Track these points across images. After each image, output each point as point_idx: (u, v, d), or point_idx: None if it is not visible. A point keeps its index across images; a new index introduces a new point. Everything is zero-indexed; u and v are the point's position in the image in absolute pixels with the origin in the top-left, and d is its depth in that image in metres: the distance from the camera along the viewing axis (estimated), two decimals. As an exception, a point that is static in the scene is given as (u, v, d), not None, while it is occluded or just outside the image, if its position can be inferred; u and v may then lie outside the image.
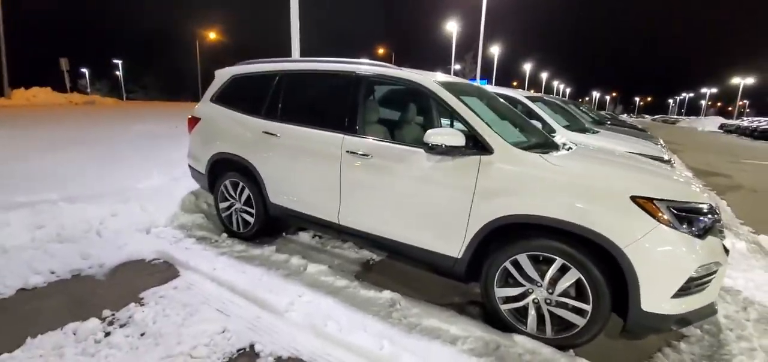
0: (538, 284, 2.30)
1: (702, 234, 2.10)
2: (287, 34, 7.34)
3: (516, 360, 2.20)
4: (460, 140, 2.41)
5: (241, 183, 3.62)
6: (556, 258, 2.21)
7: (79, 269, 2.95)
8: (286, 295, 2.68)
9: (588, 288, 2.15)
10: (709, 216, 2.17)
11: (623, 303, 2.12)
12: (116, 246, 3.32)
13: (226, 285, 2.82)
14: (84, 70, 54.71)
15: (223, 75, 3.93)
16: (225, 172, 3.73)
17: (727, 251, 2.24)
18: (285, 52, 7.63)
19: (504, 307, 2.44)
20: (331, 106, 3.14)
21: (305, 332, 2.35)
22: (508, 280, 2.42)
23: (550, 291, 2.27)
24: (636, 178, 2.30)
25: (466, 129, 2.55)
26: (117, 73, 51.60)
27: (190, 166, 4.16)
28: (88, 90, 49.51)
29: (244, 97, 3.72)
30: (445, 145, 2.42)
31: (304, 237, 3.88)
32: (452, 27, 24.65)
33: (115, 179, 4.85)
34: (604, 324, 2.20)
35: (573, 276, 2.18)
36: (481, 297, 2.56)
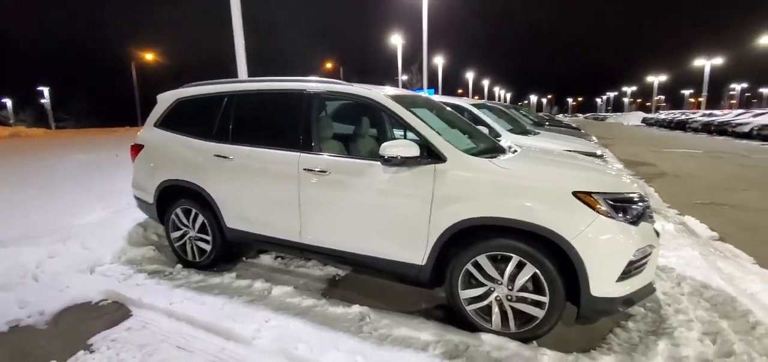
0: (499, 282, 2.43)
1: (635, 220, 2.32)
2: (232, 55, 7.17)
3: (485, 358, 2.29)
4: (414, 151, 2.50)
5: (194, 210, 3.48)
6: (513, 256, 2.35)
7: (16, 319, 2.68)
8: (252, 322, 2.60)
9: (544, 281, 2.30)
10: (640, 203, 2.40)
11: (575, 291, 2.29)
12: (57, 290, 3.05)
13: (186, 320, 2.68)
14: (5, 100, 49.68)
15: (167, 99, 3.77)
16: (175, 199, 3.57)
17: (657, 234, 2.50)
18: (231, 72, 7.44)
19: (469, 308, 2.54)
20: (284, 124, 3.12)
21: (275, 358, 2.30)
22: (470, 282, 2.52)
23: (510, 287, 2.40)
24: (575, 175, 2.51)
25: (419, 139, 2.64)
26: (43, 100, 47.25)
27: (135, 197, 3.93)
28: (11, 121, 44.90)
29: (191, 120, 3.59)
30: (401, 156, 2.49)
31: (266, 259, 3.79)
32: (397, 40, 25.24)
33: (52, 217, 4.45)
34: (561, 313, 2.36)
35: (529, 271, 2.33)
36: (447, 300, 2.64)
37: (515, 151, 3.08)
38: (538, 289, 2.36)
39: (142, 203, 3.84)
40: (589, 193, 2.25)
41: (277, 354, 2.33)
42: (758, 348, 2.34)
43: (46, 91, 46.36)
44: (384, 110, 2.81)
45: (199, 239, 3.52)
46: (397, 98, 2.88)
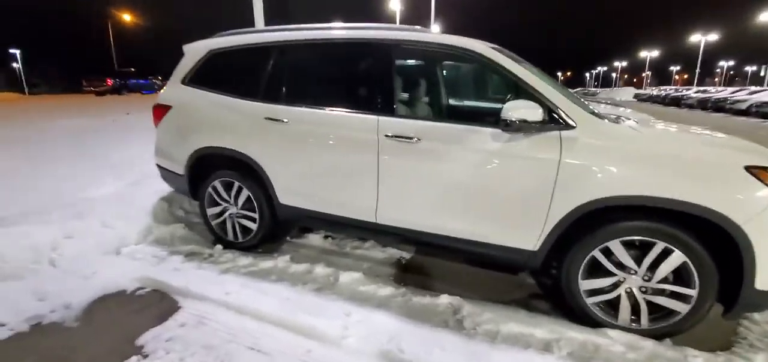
0: (632, 271, 2.05)
1: None
2: (229, 18, 6.48)
3: (620, 358, 1.94)
4: (538, 114, 2.06)
5: (236, 183, 2.98)
6: (656, 241, 1.96)
7: (38, 315, 2.19)
8: (332, 317, 2.19)
9: (694, 271, 1.93)
10: None
11: (731, 283, 1.93)
12: (81, 277, 2.57)
13: (250, 313, 2.25)
14: (-30, 63, 46.47)
15: (196, 51, 3.19)
16: (213, 170, 3.06)
17: None
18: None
19: (590, 301, 2.17)
20: (357, 82, 2.63)
21: (378, 363, 1.89)
22: (594, 270, 2.14)
23: (647, 278, 2.03)
24: (743, 146, 2.10)
25: (537, 101, 2.18)
26: (14, 65, 44.46)
27: (159, 167, 3.39)
28: (-23, 85, 42.09)
29: (231, 76, 3.05)
30: (525, 121, 2.05)
31: (315, 239, 3.34)
32: (395, 5, 24.21)
33: (59, 189, 3.89)
34: (710, 309, 2.00)
35: (677, 259, 1.95)
36: (563, 291, 2.24)
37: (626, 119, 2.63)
38: (681, 280, 2.00)
39: (169, 174, 3.31)
40: (765, 169, 1.86)
41: (376, 357, 1.92)
42: None
43: (18, 53, 43.64)
44: (488, 65, 2.31)
45: (242, 216, 3.04)
46: (500, 51, 2.39)
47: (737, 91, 23.74)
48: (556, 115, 2.11)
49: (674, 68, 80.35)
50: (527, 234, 2.20)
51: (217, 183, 3.05)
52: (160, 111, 3.25)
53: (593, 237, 2.07)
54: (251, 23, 6.73)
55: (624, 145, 2.02)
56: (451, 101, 2.96)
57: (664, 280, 2.02)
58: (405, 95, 2.57)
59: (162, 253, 2.97)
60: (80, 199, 3.60)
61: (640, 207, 1.99)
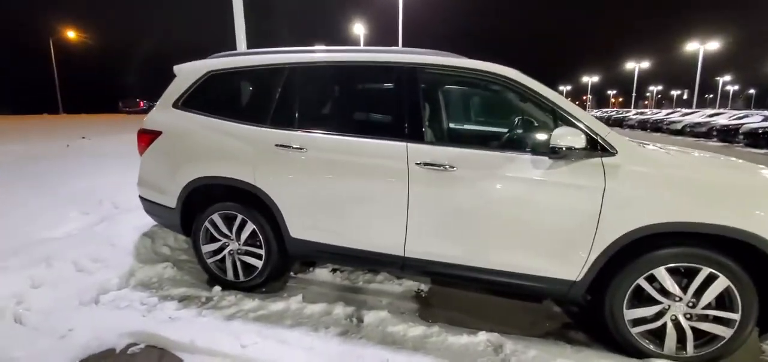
0: (677, 298, 2.03)
1: None
2: (189, 42, 6.15)
3: (677, 392, 1.89)
4: (583, 141, 2.01)
5: (240, 216, 2.70)
6: (701, 267, 1.96)
7: (10, 391, 1.80)
8: (369, 366, 1.97)
9: (737, 295, 1.94)
10: None
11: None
12: (57, 335, 2.16)
13: (275, 368, 1.97)
14: None
15: (192, 72, 2.90)
16: (211, 203, 2.75)
17: None
18: (189, 56, 6.40)
19: (635, 330, 2.12)
20: (382, 107, 2.48)
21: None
22: (638, 299, 2.10)
23: (691, 304, 2.02)
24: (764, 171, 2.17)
25: (576, 128, 2.14)
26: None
27: (144, 199, 3.01)
28: None
29: (232, 100, 2.82)
30: (572, 147, 1.99)
31: (322, 274, 3.09)
32: (359, 29, 24.52)
33: (15, 229, 3.33)
34: (751, 332, 2.01)
35: (721, 284, 1.95)
36: (606, 321, 2.17)
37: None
38: (723, 305, 2.00)
39: (156, 208, 2.94)
40: None
41: (433, 412, 1.73)
42: None
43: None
44: (522, 91, 2.25)
45: (246, 253, 2.75)
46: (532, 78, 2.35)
47: (671, 113, 26.09)
48: (598, 142, 2.08)
49: (611, 92, 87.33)
50: (570, 265, 2.12)
51: (215, 217, 2.75)
52: (147, 137, 2.90)
53: (637, 265, 2.03)
54: (227, 47, 6.42)
55: (667, 171, 2.02)
56: (481, 127, 2.88)
57: (708, 306, 2.01)
58: (439, 121, 2.45)
59: (151, 299, 2.61)
60: (44, 240, 3.11)
61: (683, 233, 1.98)
